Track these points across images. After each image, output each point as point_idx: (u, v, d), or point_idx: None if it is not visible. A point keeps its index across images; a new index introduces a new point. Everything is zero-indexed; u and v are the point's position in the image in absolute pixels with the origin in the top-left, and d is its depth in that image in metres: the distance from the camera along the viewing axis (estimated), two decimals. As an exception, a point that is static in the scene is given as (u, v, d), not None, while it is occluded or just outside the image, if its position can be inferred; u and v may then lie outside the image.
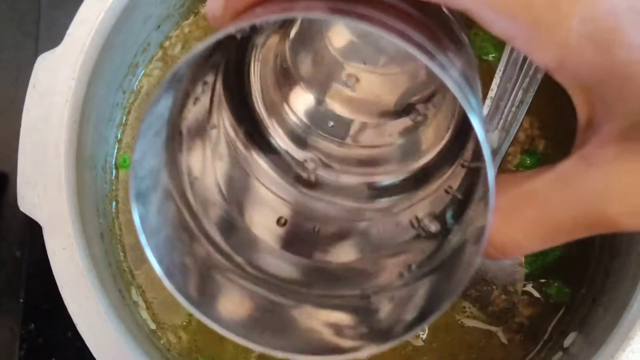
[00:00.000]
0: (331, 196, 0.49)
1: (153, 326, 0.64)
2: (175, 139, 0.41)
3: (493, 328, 0.65)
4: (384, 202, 0.49)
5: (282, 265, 0.45)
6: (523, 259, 0.63)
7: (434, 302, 0.38)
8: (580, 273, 0.66)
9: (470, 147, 0.45)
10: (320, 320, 0.41)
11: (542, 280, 0.66)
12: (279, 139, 0.49)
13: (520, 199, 0.36)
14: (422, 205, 0.47)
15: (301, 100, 0.49)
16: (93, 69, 0.58)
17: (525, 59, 0.60)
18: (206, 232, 0.43)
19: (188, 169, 0.43)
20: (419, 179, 0.48)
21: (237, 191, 0.47)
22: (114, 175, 0.67)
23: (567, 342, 0.62)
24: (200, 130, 0.44)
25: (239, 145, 0.47)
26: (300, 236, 0.47)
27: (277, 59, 0.48)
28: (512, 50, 0.61)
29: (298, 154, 0.49)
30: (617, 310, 0.57)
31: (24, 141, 0.56)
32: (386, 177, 0.49)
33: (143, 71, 0.69)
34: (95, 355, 0.54)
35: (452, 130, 0.47)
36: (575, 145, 0.36)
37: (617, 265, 0.62)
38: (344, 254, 0.47)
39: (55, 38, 0.58)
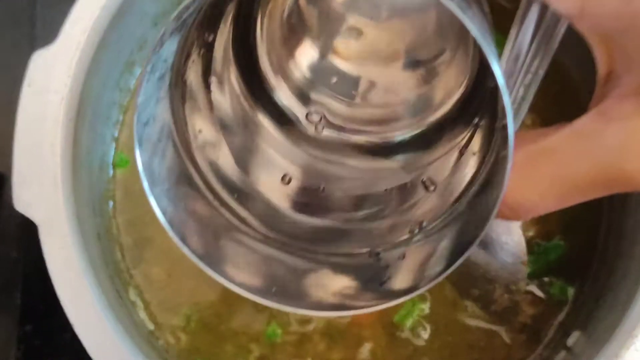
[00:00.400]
0: (340, 156, 0.49)
1: (151, 327, 0.64)
2: (179, 87, 0.41)
3: (495, 327, 0.64)
4: (395, 161, 0.49)
5: (291, 224, 0.45)
6: (526, 258, 0.63)
7: (446, 258, 0.38)
8: (583, 272, 0.65)
9: (485, 107, 0.44)
10: (330, 278, 0.41)
11: (545, 279, 0.65)
12: (284, 96, 0.49)
13: (536, 156, 0.35)
14: (434, 167, 0.47)
15: (306, 55, 0.49)
16: (89, 67, 0.58)
17: (526, 56, 0.59)
18: (212, 188, 0.43)
19: (192, 122, 0.43)
20: (432, 138, 0.48)
21: (242, 151, 0.47)
22: (110, 174, 0.66)
23: (570, 342, 0.62)
24: (204, 85, 0.44)
25: (245, 105, 0.47)
26: (308, 196, 0.47)
27: (285, 13, 0.47)
28: (513, 45, 0.60)
29: (302, 109, 0.49)
30: (620, 308, 0.56)
31: (19, 140, 0.56)
32: (398, 133, 0.49)
33: (140, 69, 0.68)
34: (92, 356, 0.54)
35: (465, 86, 0.47)
36: (592, 100, 0.35)
37: (621, 263, 0.62)
38: (353, 212, 0.47)
39: (51, 37, 0.58)
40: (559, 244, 0.65)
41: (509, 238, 0.63)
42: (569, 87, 0.68)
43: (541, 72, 0.60)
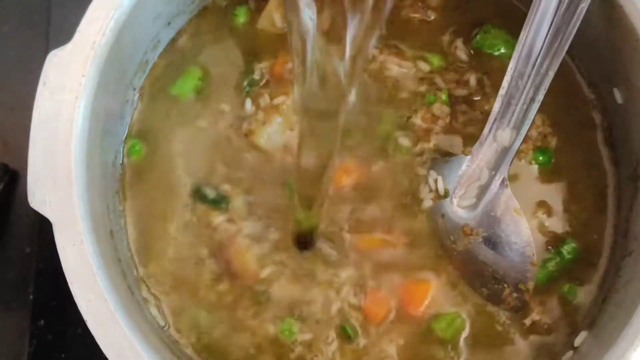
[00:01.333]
0: None
1: (162, 322, 0.64)
2: None
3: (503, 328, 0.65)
4: None
5: None
6: (535, 258, 0.63)
7: None
8: (591, 273, 0.66)
9: None
10: None
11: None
12: None
13: None
14: None
15: None
16: (103, 66, 0.58)
17: (538, 56, 0.60)
18: None
19: None
20: None
21: None
22: (122, 171, 0.67)
23: (577, 342, 0.62)
24: None
25: None
26: None
27: None
28: (523, 46, 0.61)
29: None
30: (627, 309, 0.57)
31: (34, 138, 0.56)
32: None
33: (152, 67, 0.69)
34: (104, 352, 0.54)
35: None
36: None
37: (628, 264, 0.62)
38: None
39: (65, 36, 0.59)
40: (574, 246, 0.65)
41: (518, 238, 0.63)
42: (573, 84, 0.68)
43: (551, 73, 0.60)
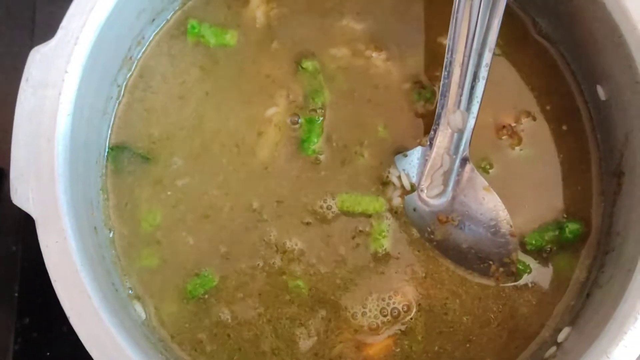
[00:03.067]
0: None
1: (146, 319, 0.64)
2: None
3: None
4: None
5: None
6: (513, 228, 0.64)
7: None
8: (574, 268, 0.66)
9: None
10: None
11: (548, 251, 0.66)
12: None
13: None
14: None
15: None
16: (86, 62, 0.58)
17: (472, 34, 0.61)
18: None
19: None
20: None
21: None
22: (106, 168, 0.67)
23: (560, 337, 0.62)
24: None
25: None
26: None
27: None
28: (455, 27, 0.61)
29: None
30: (610, 305, 0.57)
31: (17, 134, 0.56)
32: None
33: (137, 64, 0.68)
34: (88, 349, 0.54)
35: None
36: None
37: (611, 260, 0.62)
38: None
39: (51, 33, 0.58)
40: (578, 227, 0.66)
41: (493, 214, 0.64)
42: (561, 79, 0.69)
43: (488, 50, 0.61)
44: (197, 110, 0.68)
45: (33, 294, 0.76)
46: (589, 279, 0.65)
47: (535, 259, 0.66)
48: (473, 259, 0.65)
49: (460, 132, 0.64)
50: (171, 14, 0.69)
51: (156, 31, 0.69)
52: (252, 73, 0.68)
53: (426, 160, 0.65)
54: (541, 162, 0.67)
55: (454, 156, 0.64)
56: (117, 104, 0.68)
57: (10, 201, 0.56)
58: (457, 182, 0.65)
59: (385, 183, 0.66)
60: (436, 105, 0.65)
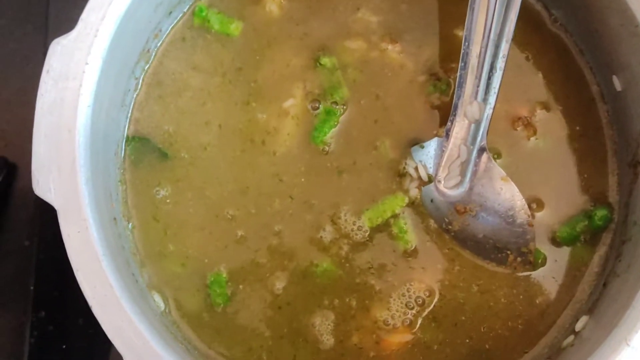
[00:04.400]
0: None
1: (165, 308, 0.64)
2: None
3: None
4: None
5: None
6: (531, 218, 0.64)
7: None
8: (592, 257, 0.66)
9: None
10: None
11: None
12: None
13: None
14: None
15: None
16: (106, 55, 0.59)
17: (489, 25, 0.61)
18: None
19: None
20: None
21: None
22: (124, 160, 0.67)
23: (578, 326, 0.62)
24: None
25: None
26: None
27: None
28: (472, 18, 0.62)
29: None
30: (628, 293, 0.57)
31: (38, 125, 0.56)
32: None
33: (154, 57, 0.69)
34: (110, 338, 0.54)
35: None
36: None
37: (628, 249, 0.63)
38: None
39: (63, 29, 0.59)
40: (606, 214, 0.66)
41: (511, 204, 0.64)
42: (577, 71, 0.69)
43: (505, 41, 0.61)
44: (214, 104, 0.68)
45: (48, 287, 0.76)
46: (606, 268, 0.65)
47: (552, 249, 0.66)
48: (491, 248, 0.65)
49: (477, 122, 0.64)
50: (188, 6, 0.69)
51: (173, 24, 0.69)
52: (268, 66, 0.68)
53: (443, 151, 0.65)
54: (557, 153, 0.67)
55: (471, 147, 0.65)
56: (134, 97, 0.68)
57: (23, 196, 0.57)
58: (475, 173, 0.65)
59: (402, 175, 0.66)
60: (452, 97, 0.65)
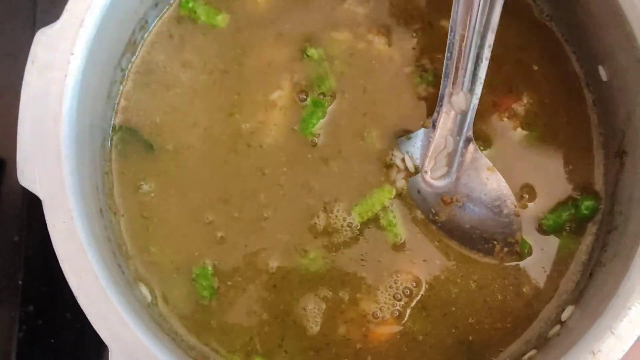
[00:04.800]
0: None
1: (152, 300, 0.64)
2: None
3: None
4: None
5: None
6: (517, 208, 0.65)
7: None
8: (578, 247, 0.66)
9: None
10: None
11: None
12: None
13: None
14: None
15: None
16: (91, 45, 0.58)
17: (476, 13, 0.61)
18: None
19: None
20: None
21: None
22: (110, 152, 0.67)
23: (564, 316, 0.63)
24: None
25: None
26: None
27: None
28: (457, 8, 0.62)
29: None
30: (613, 282, 0.57)
31: (23, 116, 0.56)
32: None
33: (140, 49, 0.69)
34: (96, 329, 0.54)
35: None
36: None
37: (613, 239, 0.63)
38: None
39: (52, 18, 0.58)
40: (592, 204, 0.66)
41: (497, 194, 0.65)
42: (564, 61, 0.69)
43: (490, 32, 0.61)
44: (200, 96, 0.68)
45: (37, 282, 0.76)
46: (592, 258, 0.65)
47: (539, 238, 0.66)
48: (477, 239, 0.65)
49: (464, 113, 0.64)
50: (175, -1, 0.69)
51: (159, 16, 0.69)
52: (255, 58, 0.68)
53: (429, 142, 0.65)
54: (543, 143, 0.67)
55: (458, 137, 0.65)
56: (121, 88, 0.68)
57: (11, 190, 0.56)
58: (461, 163, 0.65)
59: (389, 166, 0.67)
60: (439, 88, 0.65)
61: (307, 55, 0.68)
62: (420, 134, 0.66)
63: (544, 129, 0.67)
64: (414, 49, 0.69)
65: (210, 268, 0.65)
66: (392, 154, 0.67)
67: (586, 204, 0.66)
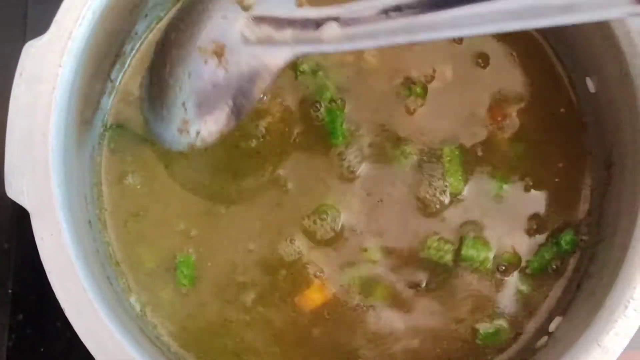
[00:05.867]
0: None
1: (141, 313, 0.64)
2: None
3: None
4: None
5: None
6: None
7: None
8: (566, 259, 0.67)
9: None
10: None
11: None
12: None
13: None
14: None
15: None
16: (80, 57, 0.58)
17: None
18: None
19: None
20: None
21: None
22: (101, 162, 0.67)
23: (552, 327, 0.63)
24: None
25: None
26: None
27: None
28: None
29: None
30: (601, 294, 0.57)
31: (11, 128, 0.56)
32: None
33: (130, 60, 0.69)
34: (83, 341, 0.54)
35: None
36: None
37: (601, 251, 0.63)
38: None
39: (43, 30, 0.58)
40: (572, 237, 0.66)
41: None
42: (551, 73, 0.69)
43: None
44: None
45: (27, 290, 0.75)
46: (579, 269, 0.65)
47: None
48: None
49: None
50: (165, 12, 0.69)
51: (150, 27, 0.69)
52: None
53: None
54: (531, 154, 0.67)
55: None
56: (111, 101, 0.68)
57: (2, 200, 0.56)
58: None
59: None
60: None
61: (300, 72, 0.68)
62: None
63: (532, 139, 0.68)
64: (402, 61, 0.69)
65: (191, 275, 0.65)
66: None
67: (566, 239, 0.66)
